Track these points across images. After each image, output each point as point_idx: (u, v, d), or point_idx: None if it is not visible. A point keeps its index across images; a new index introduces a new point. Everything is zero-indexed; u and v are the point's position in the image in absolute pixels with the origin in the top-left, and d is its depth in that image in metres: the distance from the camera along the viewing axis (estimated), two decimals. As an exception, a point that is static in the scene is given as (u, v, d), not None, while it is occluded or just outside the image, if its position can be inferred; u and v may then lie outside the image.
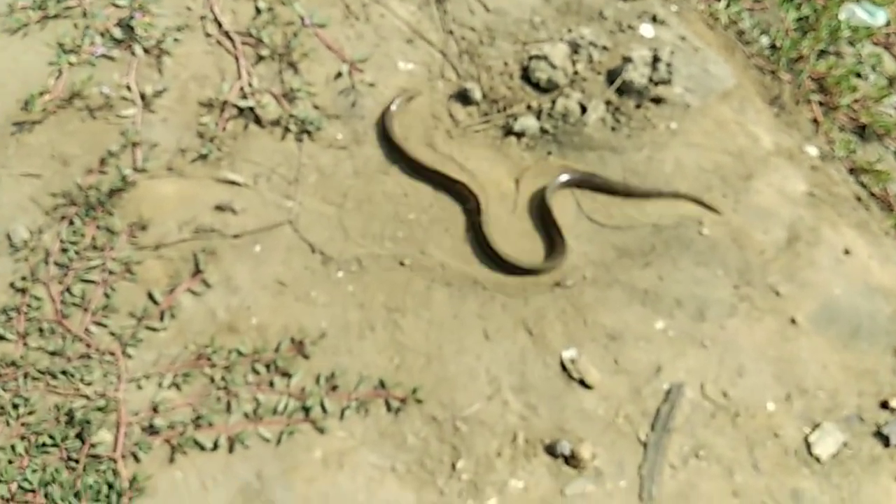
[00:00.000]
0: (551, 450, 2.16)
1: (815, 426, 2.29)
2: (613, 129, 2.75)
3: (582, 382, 2.26)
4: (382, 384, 2.22)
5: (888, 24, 3.85)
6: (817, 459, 2.24)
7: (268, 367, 2.23)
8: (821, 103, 3.35)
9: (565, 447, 2.14)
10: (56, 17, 2.80)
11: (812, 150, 3.05)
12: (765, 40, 3.45)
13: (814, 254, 2.62)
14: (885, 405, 2.37)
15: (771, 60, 3.37)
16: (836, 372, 2.40)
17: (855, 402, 2.36)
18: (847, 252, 2.67)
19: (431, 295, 2.36)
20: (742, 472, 2.19)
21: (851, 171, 3.13)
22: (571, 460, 2.13)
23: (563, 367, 2.28)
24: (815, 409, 2.33)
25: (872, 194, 3.06)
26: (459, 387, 2.22)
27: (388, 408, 2.19)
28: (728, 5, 3.40)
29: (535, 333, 2.32)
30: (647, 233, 2.56)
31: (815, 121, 3.25)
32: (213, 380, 2.20)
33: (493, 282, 2.41)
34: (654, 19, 3.09)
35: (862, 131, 3.35)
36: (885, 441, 2.29)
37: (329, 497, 2.04)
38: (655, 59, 2.85)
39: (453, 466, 2.12)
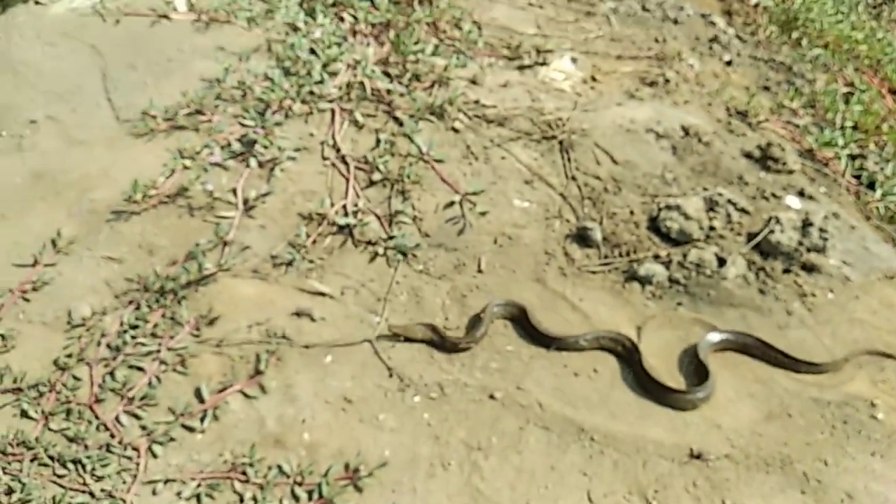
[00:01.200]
0: None
1: None
2: (761, 290, 2.35)
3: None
4: (449, 538, 1.70)
5: None
6: None
7: (310, 494, 1.79)
8: None
9: None
10: (183, 128, 2.82)
11: None
12: (927, 242, 3.04)
13: None
14: None
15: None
16: None
17: None
18: None
19: (524, 437, 1.90)
20: None
21: None
22: None
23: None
24: None
25: None
26: (550, 556, 1.66)
27: (453, 570, 1.65)
28: (883, 196, 3.07)
29: (654, 505, 1.78)
30: (805, 407, 2.04)
31: None
32: (242, 498, 1.77)
33: (603, 433, 1.92)
34: (801, 194, 2.79)
35: None
36: None
37: None
38: (806, 224, 2.50)
39: None
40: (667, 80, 3.34)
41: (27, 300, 2.23)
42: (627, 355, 2.10)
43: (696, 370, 2.09)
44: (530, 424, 1.93)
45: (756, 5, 4.55)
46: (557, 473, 1.83)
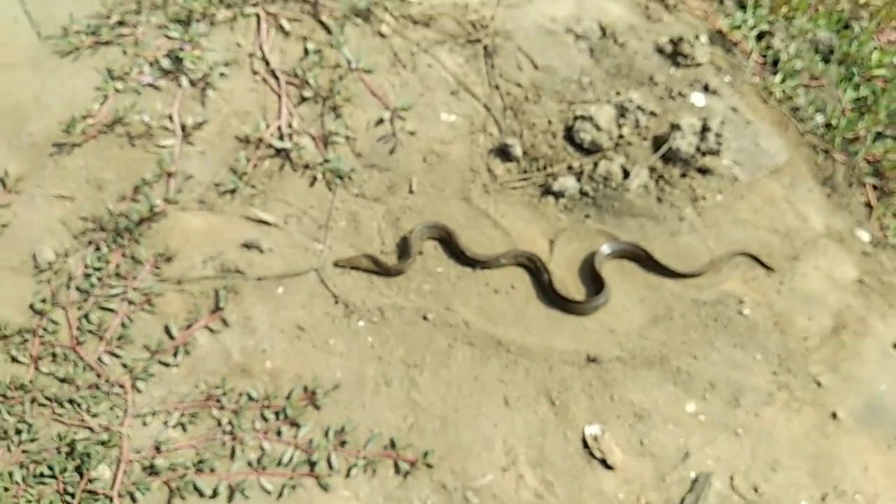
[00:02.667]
0: (565, 532, 2.03)
1: (853, 533, 2.13)
2: (659, 199, 2.67)
3: (603, 462, 2.15)
4: (393, 444, 2.13)
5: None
6: (854, 571, 2.08)
7: (277, 414, 2.16)
8: (875, 187, 3.23)
9: (580, 531, 2.02)
10: (108, 43, 2.83)
11: (864, 235, 2.92)
12: (820, 118, 3.35)
13: (860, 345, 2.48)
14: (929, 517, 2.19)
15: (825, 139, 3.27)
16: (878, 475, 2.25)
17: (897, 510, 2.19)
18: (896, 346, 2.52)
19: (452, 354, 2.28)
20: (770, 577, 2.04)
21: (905, 259, 2.98)
22: (586, 546, 2.01)
23: (585, 444, 2.17)
24: (852, 515, 2.17)
25: (927, 286, 2.91)
26: (473, 455, 2.12)
27: (397, 470, 2.10)
28: (783, 80, 3.32)
29: (557, 405, 2.22)
30: (686, 308, 2.45)
31: (868, 204, 3.13)
32: (220, 423, 2.14)
33: (518, 345, 2.31)
34: (706, 88, 3.02)
35: (918, 218, 3.20)
36: (930, 557, 2.11)
37: (326, 561, 1.95)
38: (705, 129, 2.77)
39: (459, 540, 2.00)
40: (589, -41, 3.38)
41: (-10, 245, 2.40)
42: (537, 271, 2.44)
43: (592, 279, 2.46)
44: (458, 342, 2.30)
45: None
46: (480, 383, 2.24)
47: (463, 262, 2.45)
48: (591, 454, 2.15)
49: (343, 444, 2.12)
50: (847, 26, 3.83)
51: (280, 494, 2.03)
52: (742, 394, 2.30)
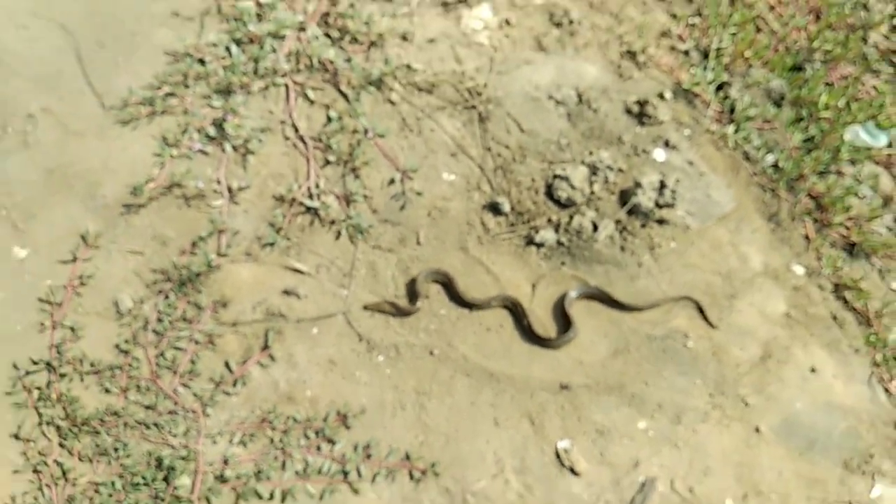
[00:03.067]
0: (541, 524, 2.66)
1: (764, 524, 2.76)
2: (622, 247, 3.25)
3: (572, 470, 2.77)
4: (408, 457, 2.75)
5: (889, 145, 4.29)
6: (763, 553, 2.72)
7: (317, 433, 2.77)
8: (816, 220, 3.81)
9: (552, 524, 2.65)
10: (162, 112, 3.37)
11: (798, 269, 3.50)
12: (770, 158, 3.91)
13: (783, 371, 3.08)
14: (828, 511, 2.83)
15: (773, 179, 3.83)
16: (790, 478, 2.87)
17: (802, 505, 2.83)
18: (813, 370, 3.13)
19: (453, 383, 2.88)
20: (697, 557, 2.68)
21: (836, 286, 3.57)
22: (556, 535, 2.64)
23: (557, 456, 2.79)
24: (766, 509, 2.80)
25: (854, 309, 3.51)
26: (470, 465, 2.74)
27: (411, 477, 2.72)
28: (737, 128, 3.88)
29: (536, 424, 2.83)
30: (641, 342, 3.05)
31: (806, 237, 3.71)
32: (272, 441, 2.75)
33: (505, 375, 2.92)
34: (666, 144, 3.57)
35: (852, 249, 3.79)
36: (824, 542, 2.75)
37: (358, 548, 2.58)
38: (662, 185, 3.34)
39: (460, 531, 2.64)
40: (570, 21, 3.90)
41: (79, 294, 2.99)
42: (517, 314, 3.03)
43: (563, 318, 3.05)
44: (458, 373, 2.91)
45: None
46: (475, 407, 2.85)
47: (460, 304, 3.04)
48: (562, 463, 2.76)
49: (369, 457, 2.74)
50: (800, 69, 4.38)
51: (321, 497, 2.66)
52: (683, 413, 2.92)
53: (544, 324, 3.05)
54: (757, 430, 2.94)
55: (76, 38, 3.47)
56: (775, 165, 3.88)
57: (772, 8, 4.65)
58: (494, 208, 3.28)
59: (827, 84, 4.37)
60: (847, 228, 3.82)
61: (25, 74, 3.38)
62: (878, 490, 2.88)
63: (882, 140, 4.23)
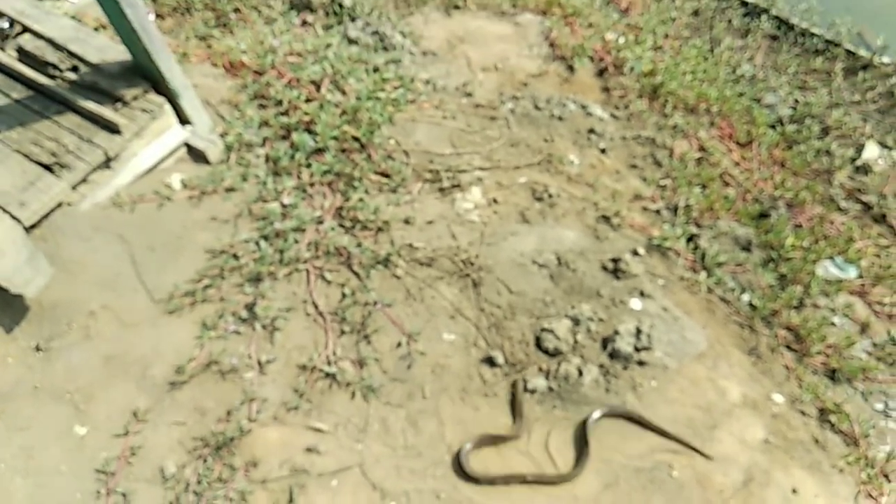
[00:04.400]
0: None
1: None
2: (606, 389, 3.68)
3: None
4: None
5: (860, 276, 4.73)
6: None
7: (338, 577, 3.13)
8: (795, 350, 4.19)
9: None
10: (203, 301, 4.01)
11: (778, 398, 3.86)
12: (745, 298, 4.37)
13: (765, 493, 3.38)
14: None
15: (749, 316, 4.27)
16: None
17: None
18: (794, 491, 3.41)
19: (459, 523, 3.25)
20: None
21: (822, 411, 3.91)
22: None
23: (557, 585, 3.09)
24: None
25: (839, 431, 3.82)
26: None
27: None
28: (709, 275, 4.38)
29: (536, 557, 3.15)
30: (630, 475, 3.41)
31: (787, 367, 4.09)
32: (298, 586, 3.11)
33: (506, 514, 3.28)
34: (642, 294, 4.08)
35: (833, 374, 4.14)
36: None
37: None
38: (639, 331, 3.81)
39: None
40: (550, 195, 4.57)
41: (130, 463, 3.48)
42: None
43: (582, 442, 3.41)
44: (462, 514, 3.27)
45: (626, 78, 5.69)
46: (480, 544, 3.18)
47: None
48: (561, 593, 3.05)
49: None
50: (766, 215, 4.93)
51: None
52: (674, 541, 3.21)
53: (540, 462, 3.43)
54: (744, 551, 3.21)
55: (131, 245, 4.21)
56: (750, 304, 4.34)
57: (736, 164, 5.31)
58: (490, 361, 3.77)
59: (796, 226, 4.92)
60: (826, 356, 4.20)
61: (88, 279, 4.08)
62: None
63: (852, 272, 4.69)
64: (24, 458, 3.47)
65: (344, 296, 4.02)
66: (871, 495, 3.49)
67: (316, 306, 3.99)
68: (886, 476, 3.64)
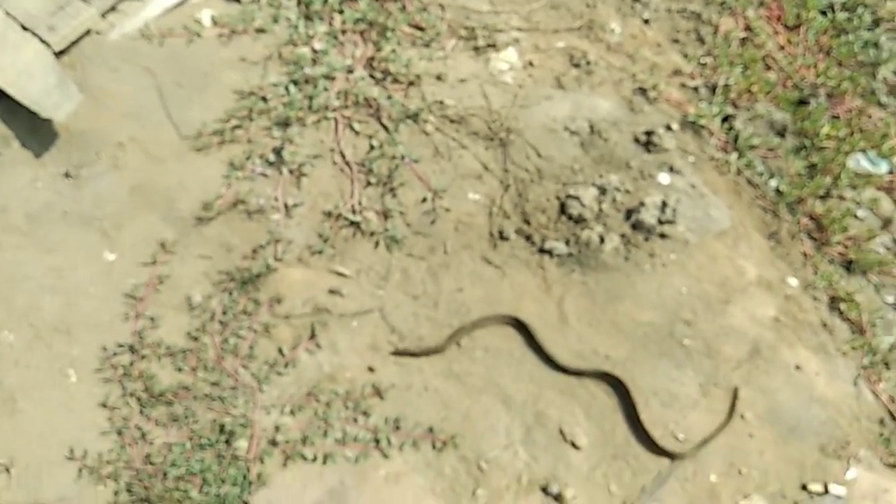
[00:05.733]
0: (545, 489, 3.18)
1: (746, 496, 3.22)
2: (626, 258, 3.79)
3: (573, 444, 3.29)
4: (431, 430, 3.31)
5: (891, 172, 4.76)
6: (744, 522, 3.18)
7: (354, 407, 3.36)
8: (815, 239, 4.29)
9: (555, 489, 3.16)
10: (231, 141, 4.08)
11: (793, 281, 3.99)
12: (772, 183, 4.42)
13: (769, 367, 3.56)
14: (804, 487, 3.27)
15: (774, 201, 4.33)
16: (771, 458, 3.33)
17: (781, 482, 3.27)
18: (798, 367, 3.59)
19: (474, 368, 3.45)
20: (683, 523, 3.16)
21: (833, 299, 4.04)
22: (558, 498, 3.15)
23: (561, 432, 3.31)
24: (748, 485, 3.26)
25: (847, 319, 3.97)
26: (485, 438, 3.28)
27: (434, 447, 3.28)
28: (740, 157, 4.41)
29: (541, 411, 3.37)
30: (640, 335, 3.58)
31: (805, 254, 4.19)
32: (316, 413, 3.35)
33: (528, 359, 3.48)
34: (671, 169, 4.13)
35: (849, 265, 4.26)
36: (800, 515, 3.20)
37: (386, 502, 3.14)
38: (664, 205, 3.89)
39: (474, 493, 3.17)
40: (588, 63, 4.53)
41: (158, 291, 3.66)
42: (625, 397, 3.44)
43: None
44: (477, 352, 3.48)
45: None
46: (490, 389, 3.40)
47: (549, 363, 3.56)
48: (564, 438, 3.29)
49: (398, 428, 3.31)
50: (805, 102, 4.89)
51: (356, 460, 3.23)
52: (675, 400, 3.41)
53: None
54: (742, 416, 3.41)
55: (158, 78, 4.22)
56: (777, 190, 4.39)
57: (781, 48, 5.20)
58: (513, 224, 3.87)
59: (833, 116, 4.88)
60: (845, 247, 4.29)
61: (115, 109, 4.13)
62: (854, 473, 3.32)
63: (883, 167, 4.71)
64: (54, 277, 3.64)
65: (372, 147, 4.07)
66: (869, 380, 3.67)
67: (343, 156, 4.05)
68: (887, 364, 3.81)
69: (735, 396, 3.39)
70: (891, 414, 3.62)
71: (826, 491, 3.27)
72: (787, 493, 3.26)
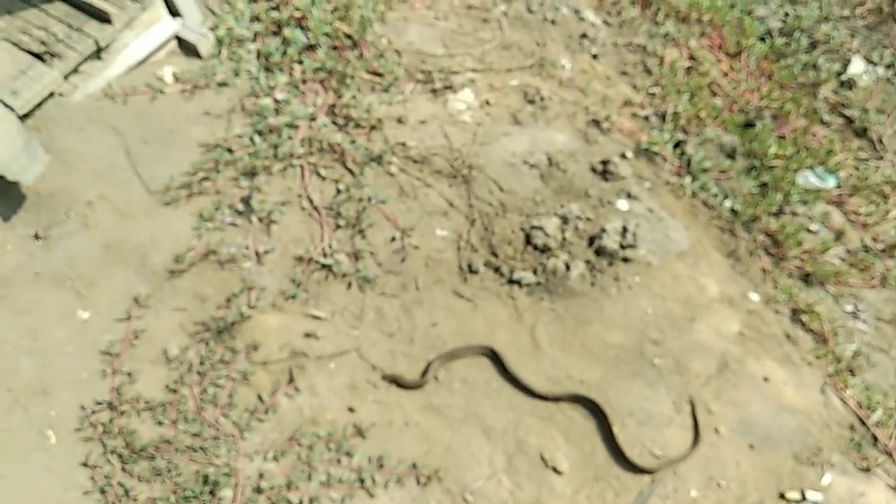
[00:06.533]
0: (530, 516, 3.23)
1: (725, 508, 3.30)
2: (592, 283, 3.90)
3: (555, 469, 3.34)
4: (414, 465, 3.34)
5: (838, 186, 4.96)
6: (724, 533, 3.25)
7: (337, 448, 3.38)
8: (772, 255, 4.44)
9: (540, 514, 3.21)
10: (199, 194, 4.13)
11: (754, 297, 4.12)
12: (727, 204, 4.58)
13: (738, 380, 3.66)
14: (782, 496, 3.36)
15: (730, 221, 4.49)
16: (748, 469, 3.41)
17: (760, 492, 3.36)
18: (766, 379, 3.70)
19: (453, 400, 3.50)
20: (667, 538, 3.21)
21: (794, 311, 4.18)
22: (544, 524, 3.20)
23: (542, 458, 3.37)
24: (727, 497, 3.34)
25: (810, 330, 4.10)
26: (468, 469, 3.32)
27: (418, 482, 3.31)
28: (693, 180, 4.57)
29: (521, 438, 3.43)
30: (611, 357, 3.67)
31: (764, 270, 4.34)
32: (299, 457, 3.36)
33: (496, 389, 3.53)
34: (629, 195, 4.27)
35: (807, 278, 4.40)
36: (778, 523, 3.28)
37: (375, 540, 3.15)
38: (625, 230, 4.01)
39: (461, 524, 3.21)
40: (542, 98, 4.68)
41: (134, 346, 3.66)
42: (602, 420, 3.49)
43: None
44: (455, 385, 3.53)
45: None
46: (469, 422, 3.45)
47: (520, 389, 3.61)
48: (546, 465, 3.34)
49: (381, 466, 3.34)
50: (751, 125, 5.09)
51: (342, 501, 3.24)
52: (650, 418, 3.50)
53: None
54: (716, 430, 3.50)
55: (124, 136, 4.27)
56: (732, 209, 4.55)
57: (725, 74, 5.44)
58: (481, 257, 3.96)
59: (780, 136, 5.09)
60: (802, 261, 4.44)
61: (84, 169, 4.17)
62: (829, 478, 3.41)
63: (831, 182, 4.91)
64: (30, 339, 3.63)
65: (338, 191, 4.15)
66: (836, 387, 3.79)
67: (311, 201, 4.12)
68: (851, 371, 3.94)
69: (694, 412, 3.47)
70: (860, 419, 3.73)
71: (804, 498, 3.36)
72: (766, 502, 3.33)
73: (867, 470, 3.54)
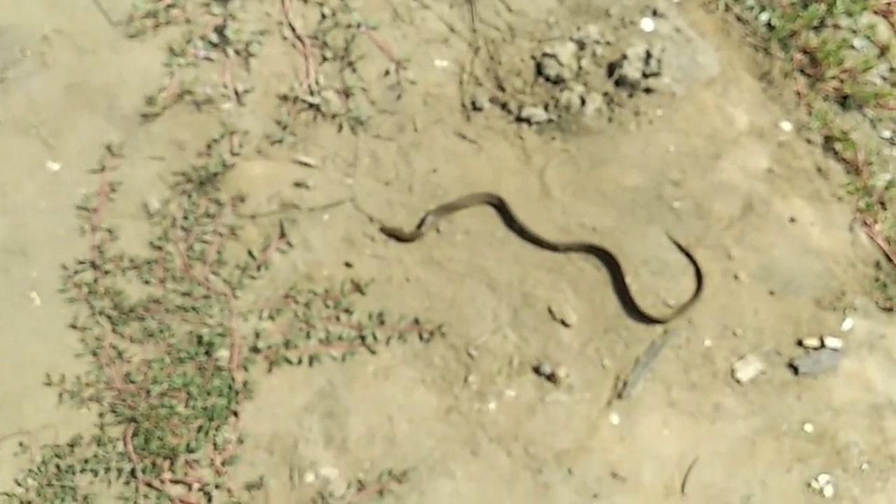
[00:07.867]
0: (538, 370, 3.13)
1: (741, 357, 3.19)
2: (609, 119, 3.55)
3: (563, 322, 3.21)
4: (417, 321, 3.21)
5: (889, -7, 4.41)
6: (738, 382, 3.15)
7: (335, 305, 3.24)
8: (809, 75, 4.03)
9: (547, 368, 3.11)
10: (167, 23, 3.69)
11: (786, 126, 3.78)
12: (763, 17, 4.09)
13: (763, 223, 3.42)
14: (800, 343, 3.24)
15: (766, 38, 4.03)
16: (766, 316, 3.27)
17: (776, 340, 3.23)
18: (792, 220, 3.46)
19: (455, 253, 3.30)
20: (678, 388, 3.13)
21: (827, 139, 3.85)
22: (551, 377, 3.11)
23: (550, 311, 3.22)
24: (743, 345, 3.22)
25: (842, 159, 3.80)
26: (472, 324, 3.19)
27: (421, 338, 3.19)
28: (727, -9, 4.05)
29: (528, 291, 3.26)
30: (627, 202, 3.42)
31: (798, 93, 3.95)
32: (296, 315, 3.23)
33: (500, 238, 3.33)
34: (654, 13, 3.79)
35: (844, 101, 4.03)
36: (795, 370, 3.17)
37: (377, 399, 3.08)
38: (649, 55, 3.60)
39: (466, 380, 3.12)
40: None
41: (112, 199, 3.43)
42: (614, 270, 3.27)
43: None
44: (458, 238, 3.32)
45: None
46: (473, 275, 3.27)
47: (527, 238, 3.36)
48: (554, 317, 3.20)
49: (382, 322, 3.21)
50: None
51: (343, 359, 3.15)
52: (666, 267, 3.30)
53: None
54: (735, 277, 3.32)
55: (75, -45, 3.76)
56: (769, 24, 4.07)
57: None
58: (486, 92, 3.59)
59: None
60: (840, 81, 4.04)
61: (34, -2, 3.70)
62: (850, 323, 3.27)
63: (880, -11, 4.34)
64: (-1, 195, 3.39)
65: (323, 16, 3.71)
66: (865, 223, 3.56)
67: (293, 29, 3.69)
68: (883, 204, 3.68)
69: (691, 257, 3.26)
70: (887, 256, 3.53)
71: (822, 345, 3.24)
72: (782, 350, 3.22)
73: (890, 310, 3.39)
